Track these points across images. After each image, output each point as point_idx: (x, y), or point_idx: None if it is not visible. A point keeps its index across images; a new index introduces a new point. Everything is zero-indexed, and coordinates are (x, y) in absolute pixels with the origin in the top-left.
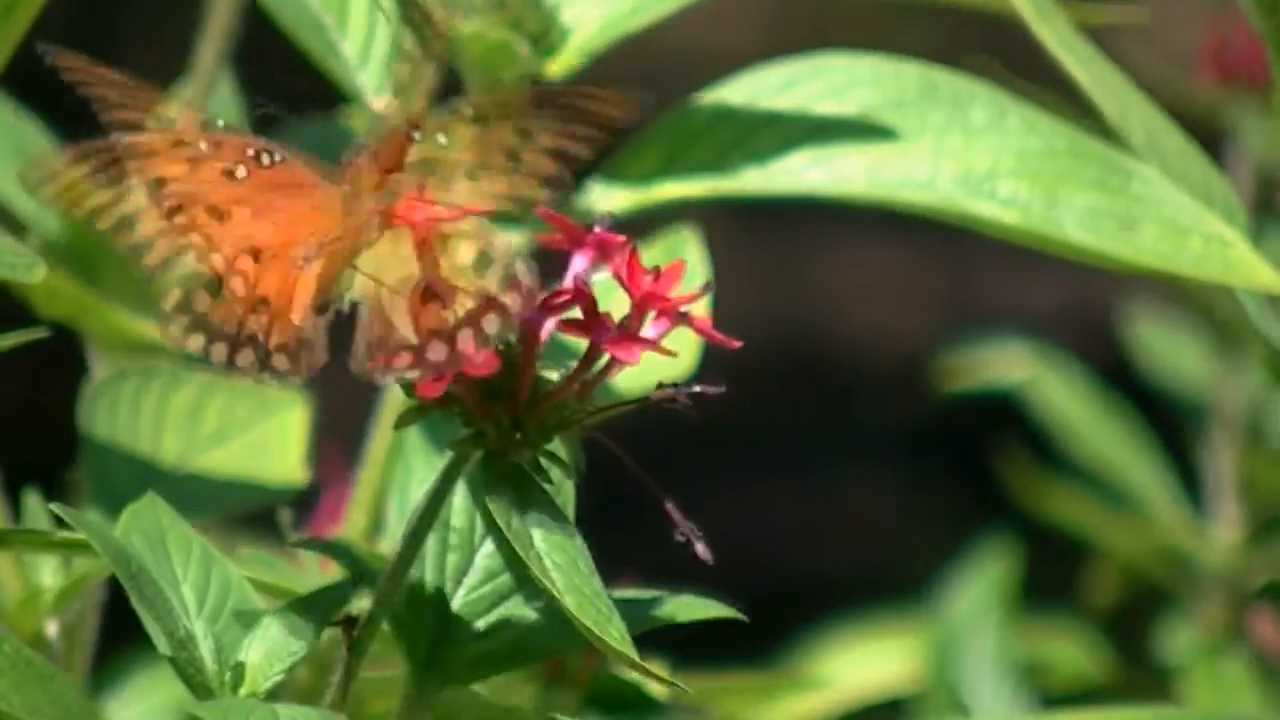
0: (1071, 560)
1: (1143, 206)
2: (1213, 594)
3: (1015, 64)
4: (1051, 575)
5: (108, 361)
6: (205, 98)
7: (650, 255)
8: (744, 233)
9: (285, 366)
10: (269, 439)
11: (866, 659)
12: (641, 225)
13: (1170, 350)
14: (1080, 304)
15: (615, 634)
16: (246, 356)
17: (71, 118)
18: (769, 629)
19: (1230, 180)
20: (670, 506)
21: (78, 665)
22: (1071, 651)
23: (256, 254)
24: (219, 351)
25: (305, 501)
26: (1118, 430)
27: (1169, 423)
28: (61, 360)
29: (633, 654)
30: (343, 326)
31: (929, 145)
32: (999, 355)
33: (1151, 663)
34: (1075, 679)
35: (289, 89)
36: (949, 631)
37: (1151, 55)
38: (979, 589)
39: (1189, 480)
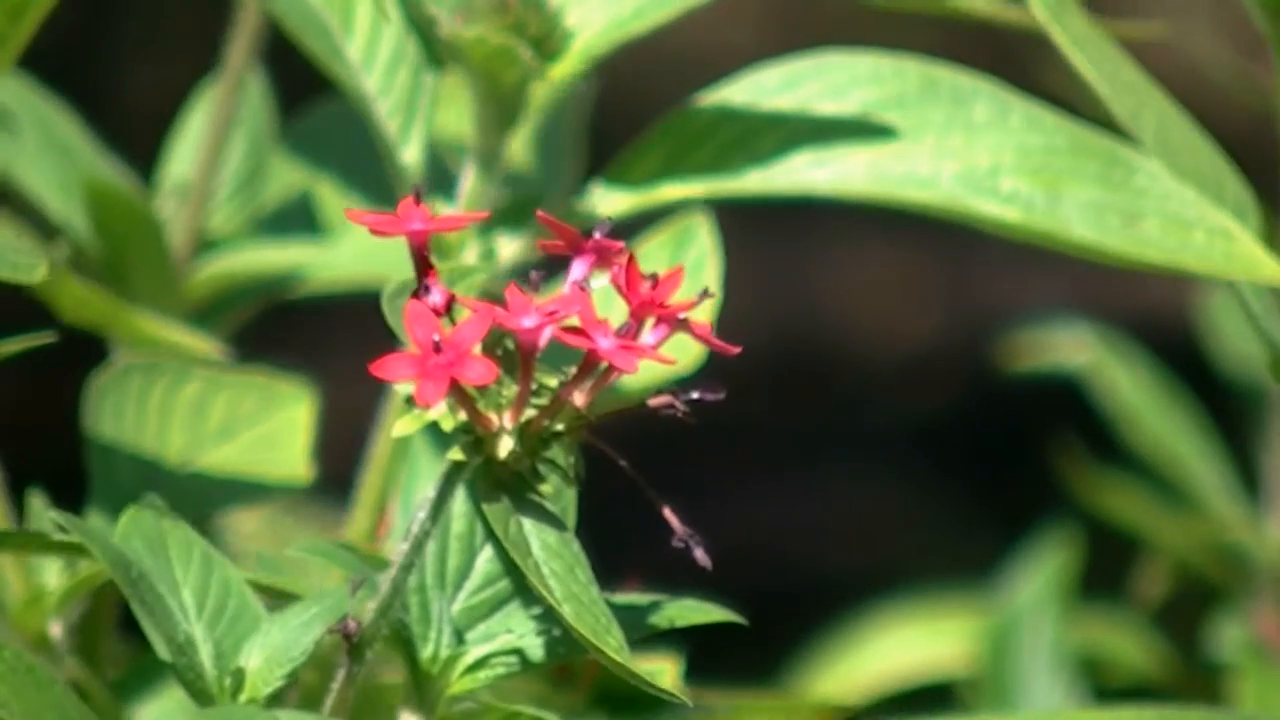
0: (1117, 551)
1: (1146, 200)
2: (1267, 591)
3: (1018, 61)
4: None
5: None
6: (234, 97)
7: (660, 242)
8: (746, 233)
9: None
10: (276, 433)
11: (887, 651)
12: (643, 226)
13: (1230, 341)
14: (1084, 305)
15: (613, 643)
16: None
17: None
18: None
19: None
20: (668, 513)
21: (98, 661)
22: (1125, 645)
23: None
24: None
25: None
26: (1176, 421)
27: (1225, 416)
28: (65, 357)
29: (631, 663)
30: (355, 326)
31: (930, 143)
32: (1060, 340)
33: (1203, 659)
34: (1128, 673)
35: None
36: (1007, 621)
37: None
38: (1040, 580)
39: (1247, 474)
